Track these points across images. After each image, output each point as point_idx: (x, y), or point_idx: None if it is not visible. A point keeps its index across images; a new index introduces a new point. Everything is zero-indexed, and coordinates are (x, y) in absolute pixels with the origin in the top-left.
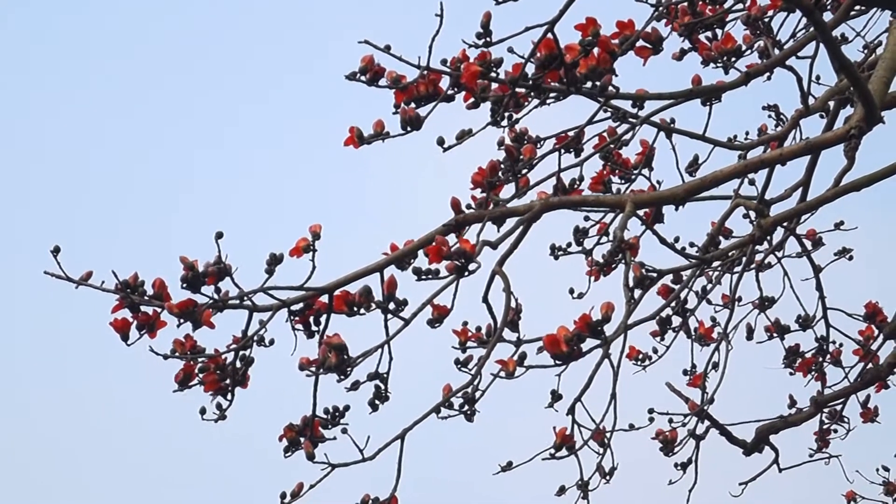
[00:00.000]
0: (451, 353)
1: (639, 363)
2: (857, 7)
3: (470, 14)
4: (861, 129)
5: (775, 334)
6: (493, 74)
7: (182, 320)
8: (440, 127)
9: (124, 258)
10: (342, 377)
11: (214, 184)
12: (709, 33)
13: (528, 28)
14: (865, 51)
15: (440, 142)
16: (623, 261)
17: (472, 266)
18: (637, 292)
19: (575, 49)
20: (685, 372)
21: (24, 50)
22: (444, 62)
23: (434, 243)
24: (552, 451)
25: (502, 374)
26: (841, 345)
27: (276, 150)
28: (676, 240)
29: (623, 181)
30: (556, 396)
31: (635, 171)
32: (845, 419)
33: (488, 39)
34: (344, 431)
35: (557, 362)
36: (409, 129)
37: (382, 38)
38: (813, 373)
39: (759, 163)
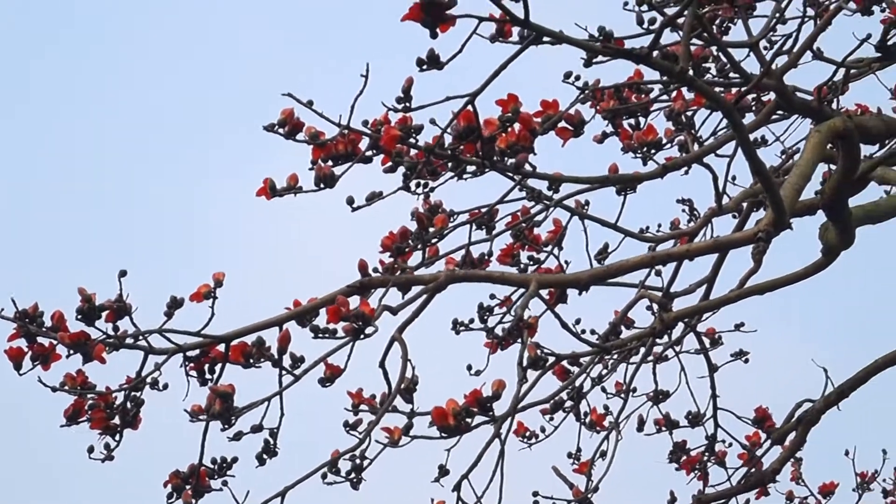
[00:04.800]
0: (345, 416)
1: (525, 441)
2: (779, 112)
3: (399, 77)
4: (769, 233)
5: (665, 428)
6: (413, 140)
7: (73, 352)
8: (355, 188)
9: (31, 288)
10: (226, 426)
11: (125, 223)
12: (632, 120)
13: (449, 98)
14: (783, 156)
15: (349, 201)
16: (520, 339)
17: (369, 329)
18: (531, 373)
19: (494, 123)
20: (570, 455)
21: None
22: (364, 123)
23: (335, 303)
24: None
25: (387, 440)
26: (729, 444)
27: (192, 191)
28: (578, 322)
29: (531, 261)
30: (443, 471)
31: (545, 249)
32: None
33: (408, 105)
34: (225, 484)
35: (444, 435)
36: (322, 186)
37: (308, 94)
38: (697, 471)
39: (667, 256)
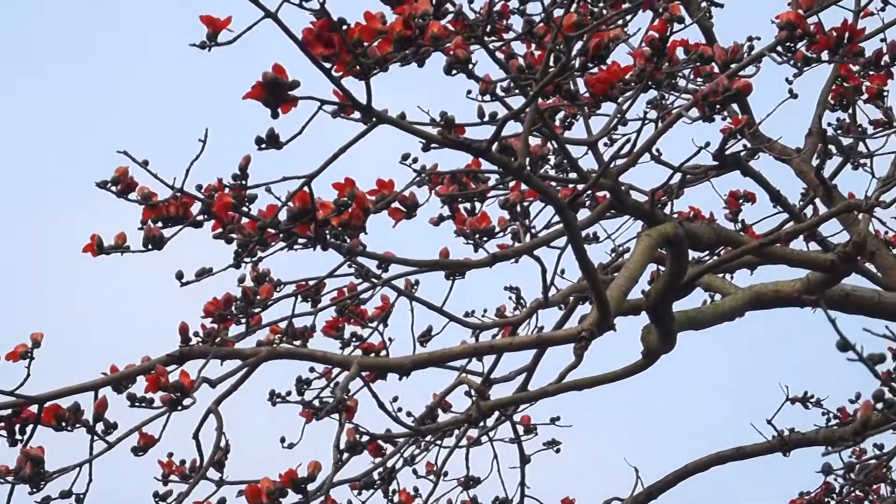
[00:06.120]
0: (155, 485)
1: None
2: (612, 211)
3: (240, 146)
4: (592, 332)
5: None
6: (246, 209)
7: None
8: (185, 249)
9: None
10: (35, 490)
11: None
12: (468, 205)
13: (286, 178)
14: (613, 254)
15: (178, 276)
16: (339, 421)
17: (186, 401)
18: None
19: (329, 207)
20: None
21: None
22: (199, 188)
23: (153, 372)
24: None
25: None
26: None
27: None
28: (395, 399)
29: (354, 338)
30: None
31: (370, 325)
32: None
33: (244, 182)
34: None
35: None
36: (150, 247)
37: (144, 152)
38: None
39: (489, 348)
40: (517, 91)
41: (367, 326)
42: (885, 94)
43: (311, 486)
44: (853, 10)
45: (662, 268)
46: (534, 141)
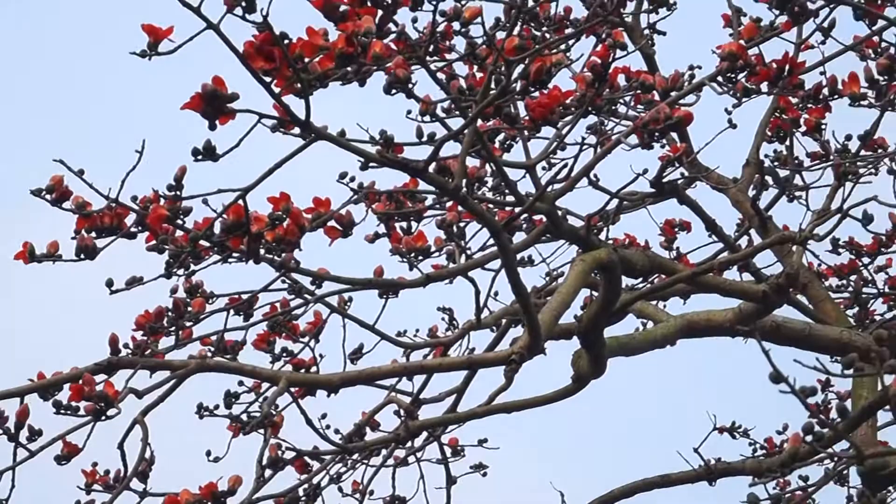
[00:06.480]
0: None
1: None
2: (548, 235)
3: (177, 157)
4: (522, 356)
5: None
6: (180, 222)
7: None
8: (119, 261)
9: None
10: None
11: None
12: (404, 224)
13: (221, 190)
14: (547, 278)
15: (108, 283)
16: (264, 435)
17: (111, 411)
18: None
19: (263, 220)
20: None
21: None
22: (134, 199)
23: (80, 381)
24: None
25: None
26: None
27: None
28: (324, 416)
29: (284, 353)
30: None
31: (301, 340)
32: None
33: (178, 193)
34: None
35: None
36: (83, 257)
37: (80, 162)
38: None
39: (420, 368)
40: (457, 112)
41: (298, 341)
42: (823, 127)
43: (232, 501)
44: (794, 42)
45: (595, 293)
46: (472, 162)
